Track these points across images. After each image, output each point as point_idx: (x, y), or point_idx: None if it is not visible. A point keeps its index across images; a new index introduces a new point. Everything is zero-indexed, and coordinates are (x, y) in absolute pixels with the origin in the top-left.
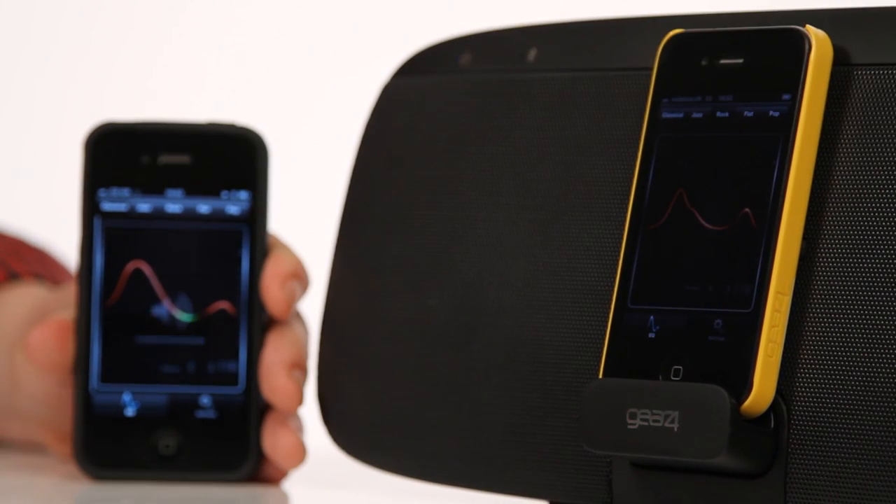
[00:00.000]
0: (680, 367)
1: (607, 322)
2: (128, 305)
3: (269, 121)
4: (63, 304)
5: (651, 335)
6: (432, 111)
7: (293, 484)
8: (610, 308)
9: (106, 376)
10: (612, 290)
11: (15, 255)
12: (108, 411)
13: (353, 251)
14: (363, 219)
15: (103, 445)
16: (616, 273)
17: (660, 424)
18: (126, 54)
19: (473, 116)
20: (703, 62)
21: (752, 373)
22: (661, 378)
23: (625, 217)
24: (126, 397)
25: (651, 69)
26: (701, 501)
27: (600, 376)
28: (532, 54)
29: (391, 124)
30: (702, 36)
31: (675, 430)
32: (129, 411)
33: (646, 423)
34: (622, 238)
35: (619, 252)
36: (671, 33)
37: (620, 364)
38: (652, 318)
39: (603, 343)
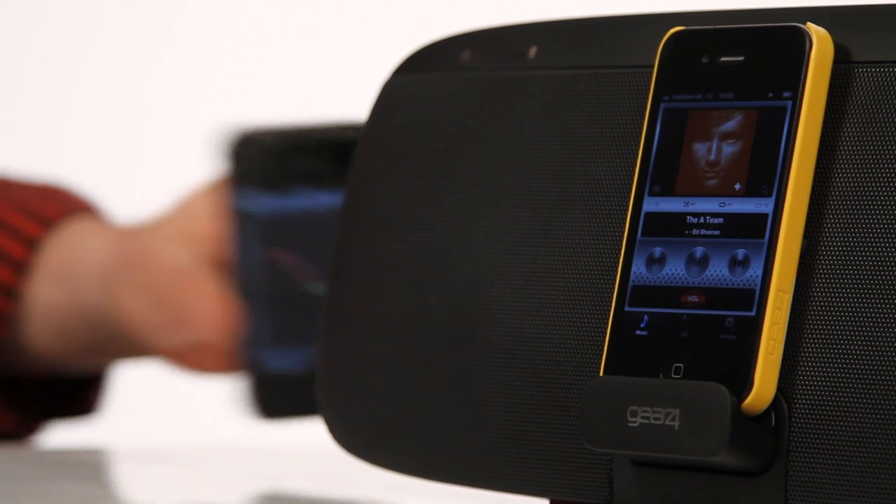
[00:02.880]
0: (681, 366)
1: (608, 320)
2: None
3: (270, 118)
4: (157, 236)
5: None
6: (432, 109)
7: (293, 481)
8: (610, 306)
9: None
10: (613, 288)
11: (45, 200)
12: None
13: (353, 249)
14: (363, 216)
15: None
16: (616, 271)
17: (660, 422)
18: (127, 53)
19: (474, 114)
20: (704, 59)
21: (754, 370)
22: (661, 376)
23: (625, 214)
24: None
25: (652, 67)
26: (702, 499)
27: (601, 374)
28: (532, 52)
29: (391, 122)
30: (702, 33)
31: (676, 427)
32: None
33: (647, 421)
34: (623, 236)
35: (620, 250)
36: (671, 31)
37: (621, 362)
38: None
39: (603, 341)
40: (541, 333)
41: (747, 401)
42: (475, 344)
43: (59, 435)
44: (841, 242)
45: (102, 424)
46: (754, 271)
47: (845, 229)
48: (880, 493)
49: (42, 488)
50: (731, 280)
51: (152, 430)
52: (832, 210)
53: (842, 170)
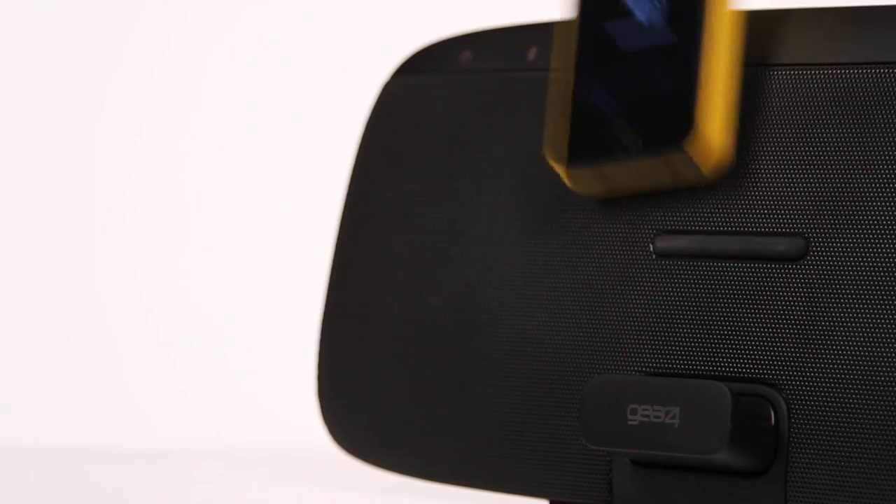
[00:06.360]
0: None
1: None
2: None
3: (270, 119)
4: None
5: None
6: (432, 110)
7: (293, 481)
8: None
9: None
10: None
11: None
12: None
13: (354, 250)
14: (364, 217)
15: None
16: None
17: (660, 420)
18: (127, 54)
19: (473, 115)
20: None
21: (693, 112)
22: (617, 150)
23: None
24: None
25: None
26: (701, 499)
27: (567, 165)
28: (532, 53)
29: (392, 123)
30: None
31: (676, 426)
32: None
33: (646, 419)
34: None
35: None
36: None
37: (583, 146)
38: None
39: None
40: (541, 334)
41: (691, 143)
42: (475, 344)
43: (59, 435)
44: (840, 242)
45: (103, 424)
46: (690, 30)
47: (844, 229)
48: (879, 493)
49: (42, 489)
50: (668, 37)
51: (152, 430)
52: (831, 210)
53: (841, 169)
